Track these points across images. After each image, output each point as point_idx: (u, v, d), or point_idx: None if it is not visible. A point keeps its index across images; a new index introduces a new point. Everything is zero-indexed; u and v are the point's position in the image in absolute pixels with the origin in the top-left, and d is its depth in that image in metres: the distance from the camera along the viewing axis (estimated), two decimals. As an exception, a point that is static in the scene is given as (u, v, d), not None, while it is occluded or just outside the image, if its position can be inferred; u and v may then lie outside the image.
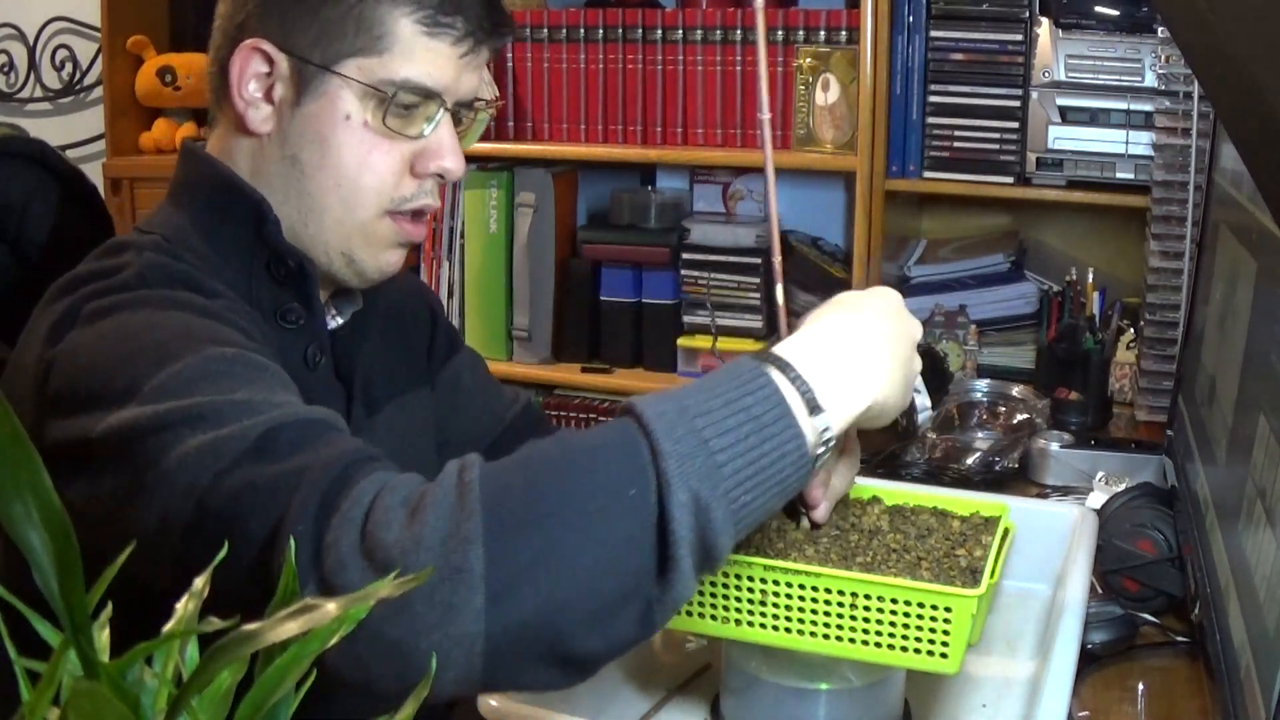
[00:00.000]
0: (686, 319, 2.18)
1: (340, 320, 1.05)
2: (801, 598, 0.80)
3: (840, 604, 0.79)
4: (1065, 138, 1.93)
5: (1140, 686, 1.07)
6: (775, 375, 0.74)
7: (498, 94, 2.20)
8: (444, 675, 0.66)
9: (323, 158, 0.94)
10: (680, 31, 2.12)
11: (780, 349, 0.77)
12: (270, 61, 0.94)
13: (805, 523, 0.90)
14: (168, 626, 0.42)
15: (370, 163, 0.94)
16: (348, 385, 1.03)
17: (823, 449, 0.75)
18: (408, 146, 0.96)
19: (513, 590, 0.66)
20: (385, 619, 0.65)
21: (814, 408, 0.74)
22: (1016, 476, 1.54)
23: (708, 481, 0.69)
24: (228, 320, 0.87)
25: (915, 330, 0.87)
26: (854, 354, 0.79)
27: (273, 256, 0.95)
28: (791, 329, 0.83)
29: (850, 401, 0.78)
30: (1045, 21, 1.92)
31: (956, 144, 2.01)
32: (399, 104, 0.93)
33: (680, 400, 0.72)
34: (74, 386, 0.81)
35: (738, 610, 0.82)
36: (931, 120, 2.01)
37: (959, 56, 1.99)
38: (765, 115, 0.89)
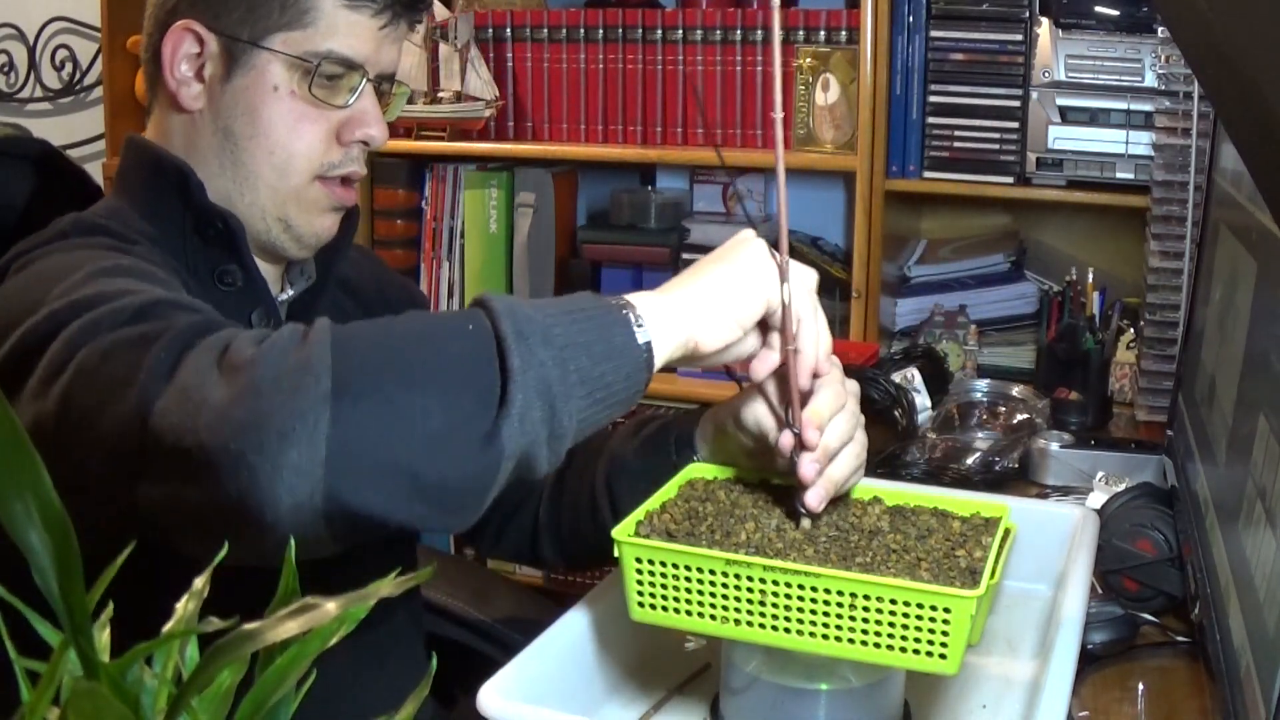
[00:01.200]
0: (686, 319, 2.17)
1: (291, 292, 1.10)
2: (801, 598, 0.80)
3: (840, 604, 0.79)
4: (1065, 138, 1.93)
5: (1140, 686, 1.07)
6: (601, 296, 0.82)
7: (498, 94, 2.20)
8: (285, 475, 0.67)
9: (253, 128, 1.00)
10: (680, 31, 2.12)
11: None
12: (200, 41, 0.99)
13: (805, 523, 0.90)
14: (168, 626, 0.42)
15: (299, 131, 1.00)
16: None
17: (644, 355, 0.80)
18: (334, 115, 1.01)
19: (354, 387, 0.69)
20: (237, 402, 0.68)
21: (638, 323, 0.80)
22: (1016, 477, 1.54)
23: (541, 338, 0.73)
24: (143, 260, 0.91)
25: (753, 254, 0.89)
26: (682, 290, 0.85)
27: (200, 218, 0.99)
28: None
29: (673, 325, 0.83)
30: (1045, 21, 1.92)
31: (956, 144, 2.01)
32: (323, 74, 0.99)
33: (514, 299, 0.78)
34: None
35: (738, 610, 0.82)
36: (931, 120, 2.01)
37: (959, 56, 1.99)
38: (779, 115, 0.89)
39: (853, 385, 0.96)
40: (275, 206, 1.02)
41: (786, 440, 0.90)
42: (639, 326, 0.80)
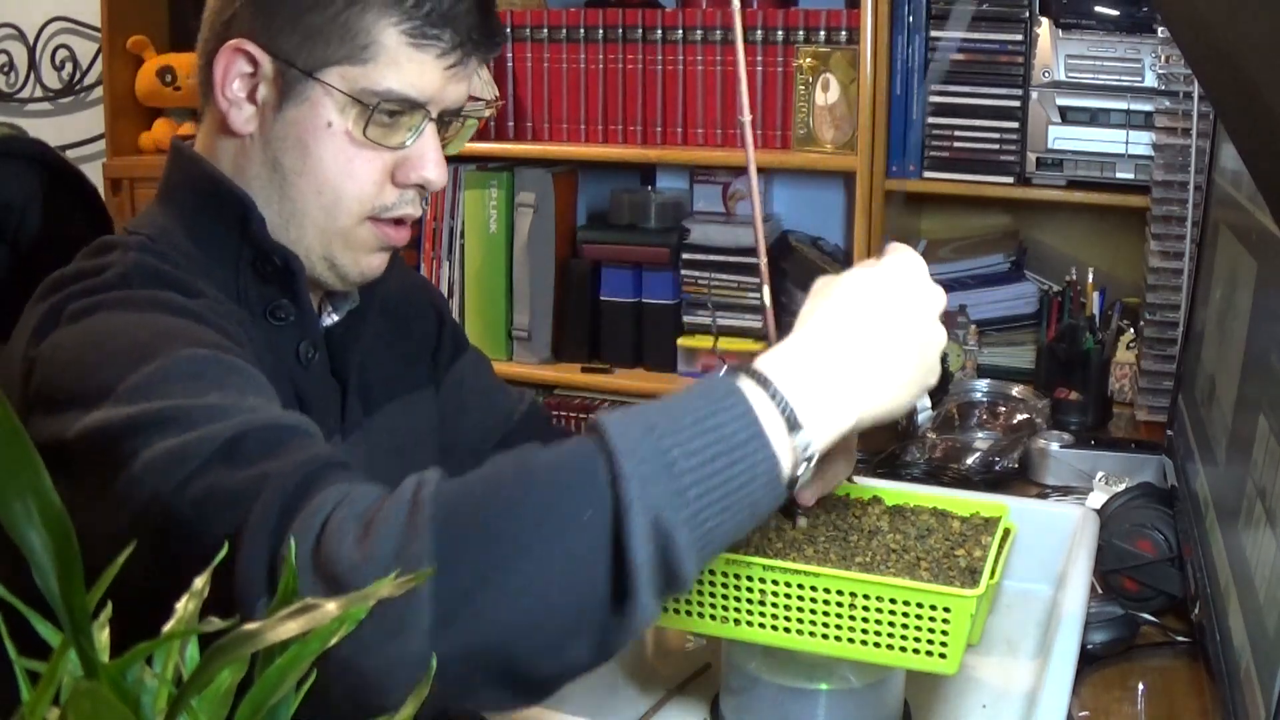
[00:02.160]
0: (687, 319, 2.18)
1: (335, 318, 1.05)
2: (800, 598, 0.80)
3: (839, 604, 0.79)
4: (1065, 138, 1.93)
5: (1140, 686, 1.07)
6: (750, 391, 0.71)
7: (498, 94, 2.20)
8: (392, 696, 0.64)
9: (303, 164, 0.94)
10: (680, 31, 2.12)
11: (761, 361, 0.74)
12: (254, 62, 0.93)
13: (802, 522, 0.90)
14: (168, 626, 0.42)
15: (351, 171, 0.94)
16: (343, 382, 1.04)
17: (804, 466, 0.72)
18: (390, 156, 0.95)
19: (460, 612, 0.65)
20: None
21: (793, 424, 0.71)
22: (1016, 476, 1.54)
23: (671, 505, 0.66)
24: (208, 320, 0.86)
25: (933, 304, 0.81)
26: (845, 360, 0.75)
27: (258, 254, 0.95)
28: (783, 331, 0.82)
29: (837, 415, 0.74)
30: (1045, 21, 1.92)
31: (956, 144, 2.01)
32: (382, 113, 0.92)
33: (648, 418, 0.69)
34: (53, 386, 0.82)
35: (737, 610, 0.82)
36: (931, 120, 2.01)
37: (959, 56, 1.99)
38: (746, 117, 0.87)
39: None
40: (321, 245, 0.97)
41: None
42: (804, 458, 0.71)
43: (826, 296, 0.80)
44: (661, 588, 0.67)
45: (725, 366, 0.75)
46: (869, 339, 0.77)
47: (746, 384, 0.72)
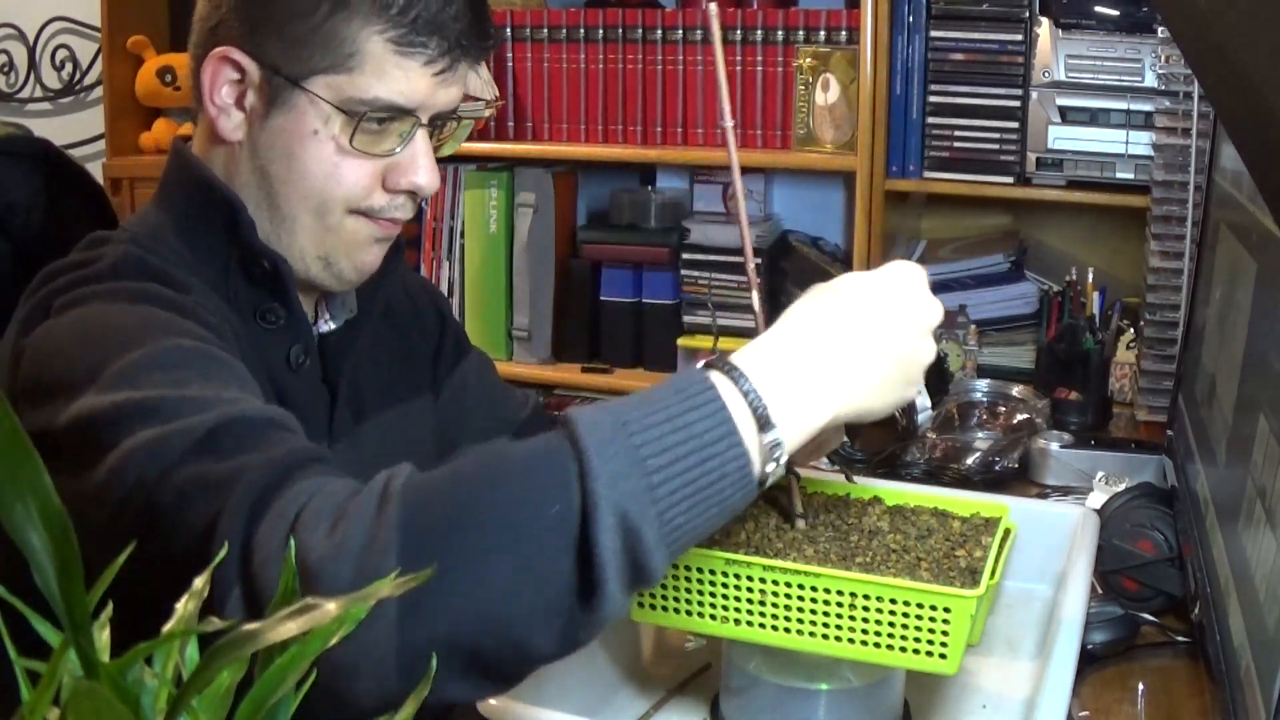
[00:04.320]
0: (687, 319, 2.18)
1: (332, 325, 1.05)
2: (801, 598, 0.80)
3: (839, 604, 0.79)
4: (1065, 138, 1.93)
5: (1140, 686, 1.07)
6: (724, 387, 0.71)
7: (498, 94, 2.20)
8: (357, 685, 0.65)
9: (291, 171, 0.93)
10: (680, 31, 2.12)
11: (738, 355, 0.73)
12: (241, 70, 0.92)
13: (801, 524, 0.90)
14: (168, 626, 0.42)
15: (339, 178, 0.93)
16: (333, 390, 1.03)
17: (773, 464, 0.72)
18: (380, 162, 0.94)
19: (425, 604, 0.65)
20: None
21: (765, 423, 0.71)
22: (1016, 477, 1.54)
23: (639, 502, 0.66)
24: (194, 314, 0.87)
25: (924, 317, 0.81)
26: (822, 358, 0.75)
27: (247, 257, 0.95)
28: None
29: (810, 413, 0.74)
30: (1045, 21, 1.92)
31: (956, 144, 2.01)
32: (370, 121, 0.91)
33: (619, 414, 0.69)
34: (39, 376, 0.83)
35: (738, 610, 0.82)
36: (931, 120, 2.01)
37: (959, 56, 1.99)
38: (728, 123, 0.87)
39: None
40: (315, 246, 0.96)
41: None
42: (773, 457, 0.71)
43: (815, 297, 0.80)
44: (629, 583, 0.68)
45: (701, 362, 0.75)
46: (847, 339, 0.76)
47: (720, 380, 0.71)
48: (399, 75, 0.90)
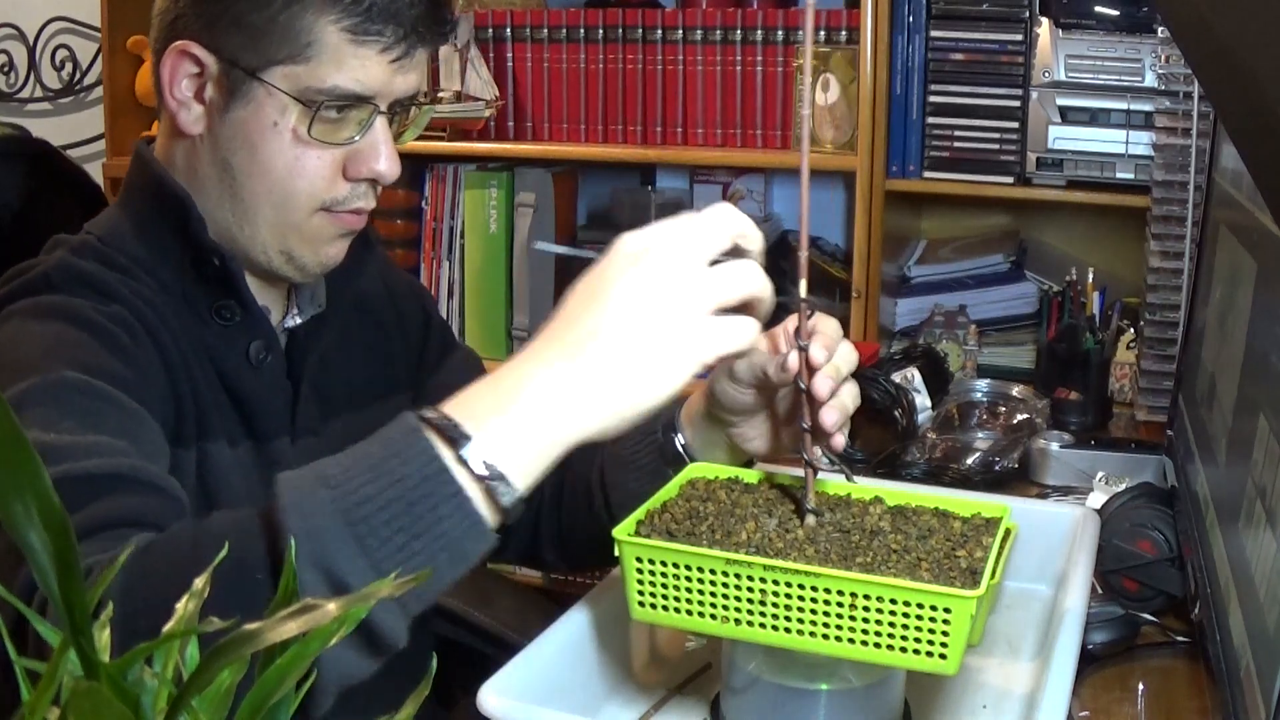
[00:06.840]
0: (686, 319, 2.17)
1: (299, 320, 1.05)
2: (801, 598, 0.80)
3: (840, 604, 0.79)
4: (1065, 138, 1.93)
5: (1140, 686, 1.07)
6: (431, 431, 0.70)
7: (497, 94, 2.20)
8: None
9: (252, 164, 0.94)
10: (680, 31, 2.12)
11: (451, 402, 0.72)
12: (200, 63, 0.93)
13: (811, 520, 0.90)
14: (168, 626, 0.42)
15: (300, 169, 0.94)
16: (296, 385, 1.03)
17: (509, 496, 0.71)
18: (340, 151, 0.95)
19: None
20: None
21: (475, 461, 0.69)
22: (1016, 476, 1.54)
23: (343, 555, 0.65)
24: (106, 333, 0.87)
25: (691, 297, 0.76)
26: (547, 385, 0.72)
27: (198, 254, 0.95)
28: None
29: (533, 445, 0.72)
30: (1045, 21, 1.92)
31: (956, 144, 2.01)
32: (329, 110, 0.92)
33: (324, 470, 0.69)
34: None
35: (738, 610, 0.82)
36: (931, 120, 2.01)
37: (959, 56, 1.99)
38: (806, 111, 0.83)
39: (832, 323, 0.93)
40: (277, 240, 0.97)
41: (792, 359, 0.86)
42: (502, 499, 0.70)
43: (559, 306, 0.77)
44: (361, 644, 0.67)
45: (412, 413, 0.73)
46: (574, 353, 0.74)
47: (428, 425, 0.70)
48: (355, 64, 0.91)
